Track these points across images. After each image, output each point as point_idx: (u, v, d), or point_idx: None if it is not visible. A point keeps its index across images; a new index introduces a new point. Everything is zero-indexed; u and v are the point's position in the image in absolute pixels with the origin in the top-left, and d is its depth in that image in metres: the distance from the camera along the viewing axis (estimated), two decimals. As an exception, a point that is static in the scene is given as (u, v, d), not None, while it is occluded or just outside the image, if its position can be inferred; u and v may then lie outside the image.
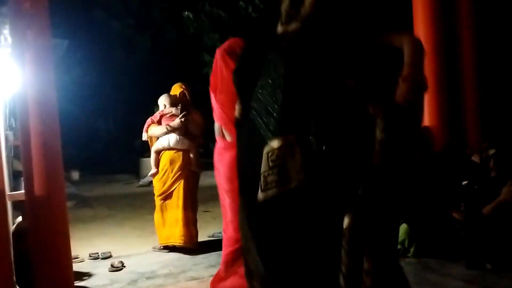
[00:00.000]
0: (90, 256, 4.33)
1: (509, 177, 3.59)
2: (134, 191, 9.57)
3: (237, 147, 1.62)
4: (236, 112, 1.60)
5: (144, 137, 4.58)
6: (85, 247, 4.55)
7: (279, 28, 1.45)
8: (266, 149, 1.38)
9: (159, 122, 4.49)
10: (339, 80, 1.35)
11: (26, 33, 3.03)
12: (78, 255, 4.28)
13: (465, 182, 3.78)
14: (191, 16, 10.05)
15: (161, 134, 4.42)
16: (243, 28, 9.56)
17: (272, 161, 1.37)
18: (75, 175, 13.33)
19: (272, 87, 1.43)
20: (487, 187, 3.65)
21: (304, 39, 1.38)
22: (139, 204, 7.36)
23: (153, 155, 4.47)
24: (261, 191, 1.39)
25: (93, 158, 16.07)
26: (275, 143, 1.37)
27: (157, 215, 4.42)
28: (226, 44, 2.72)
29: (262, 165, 1.39)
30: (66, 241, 3.20)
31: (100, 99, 15.59)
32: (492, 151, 3.69)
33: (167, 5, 16.08)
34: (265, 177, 1.38)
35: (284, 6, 1.42)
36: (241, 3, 9.32)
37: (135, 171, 11.74)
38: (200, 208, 6.24)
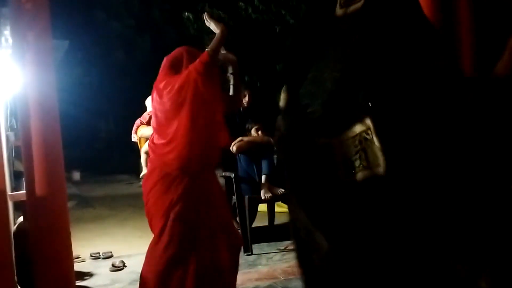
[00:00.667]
0: (91, 256, 4.34)
1: None
2: (135, 191, 9.59)
3: (280, 139, 1.51)
4: (282, 101, 1.50)
5: (134, 138, 4.56)
6: (86, 247, 4.57)
7: (338, 11, 1.36)
8: (348, 134, 1.30)
9: (148, 123, 4.47)
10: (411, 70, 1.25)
11: (27, 34, 3.04)
12: (80, 255, 4.29)
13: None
14: (191, 17, 10.04)
15: (150, 135, 4.41)
16: (243, 29, 9.56)
17: (355, 146, 1.29)
18: (76, 175, 13.36)
19: (329, 75, 1.34)
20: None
21: (367, 21, 1.30)
22: (140, 204, 7.32)
23: (143, 156, 4.46)
24: (349, 175, 1.30)
25: (94, 158, 16.09)
26: (357, 128, 1.29)
27: None
28: (171, 54, 2.74)
29: (342, 151, 1.30)
30: (67, 241, 3.21)
31: (100, 99, 15.61)
32: None
33: (167, 6, 16.10)
34: (351, 162, 1.29)
35: None
36: (241, 4, 9.32)
37: (136, 171, 11.73)
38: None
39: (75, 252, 3.62)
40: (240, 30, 9.60)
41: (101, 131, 16.78)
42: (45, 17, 3.15)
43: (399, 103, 1.25)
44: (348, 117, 1.29)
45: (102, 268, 3.99)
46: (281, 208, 5.31)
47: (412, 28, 1.27)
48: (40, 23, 3.13)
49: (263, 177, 4.36)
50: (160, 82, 2.65)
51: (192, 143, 2.52)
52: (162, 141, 2.64)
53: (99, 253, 4.36)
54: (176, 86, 2.53)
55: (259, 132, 4.57)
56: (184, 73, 2.55)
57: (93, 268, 4.02)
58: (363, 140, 1.27)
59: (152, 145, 2.67)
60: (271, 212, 5.05)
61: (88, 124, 16.16)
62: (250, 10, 9.23)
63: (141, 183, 4.58)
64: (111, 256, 4.33)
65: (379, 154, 1.24)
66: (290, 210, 1.58)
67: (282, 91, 1.52)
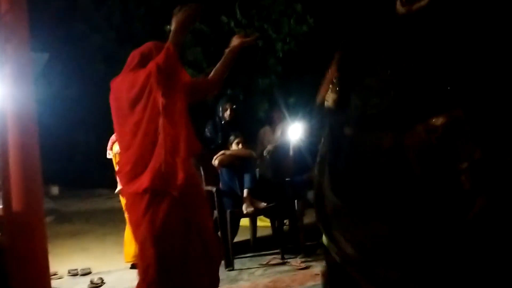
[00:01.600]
0: (69, 272, 4.25)
1: (482, 190, 3.65)
2: (115, 206, 9.43)
3: (327, 139, 1.50)
4: (329, 101, 1.49)
5: (109, 155, 4.52)
6: (64, 263, 4.47)
7: (401, 9, 1.37)
8: (423, 128, 1.28)
9: None
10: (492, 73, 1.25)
11: (5, 46, 3.01)
12: (57, 272, 4.20)
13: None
14: (173, 30, 10.08)
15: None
16: (226, 43, 9.60)
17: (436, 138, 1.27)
18: (55, 189, 13.13)
19: (397, 71, 1.33)
20: (464, 201, 3.70)
21: (436, 19, 1.31)
22: (120, 219, 7.23)
23: None
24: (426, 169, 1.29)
25: (73, 172, 15.84)
26: (438, 120, 1.26)
27: (128, 231, 4.34)
28: (139, 49, 2.57)
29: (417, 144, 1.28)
30: (45, 257, 3.14)
31: (80, 112, 15.45)
32: (465, 165, 3.74)
33: (150, 20, 16.08)
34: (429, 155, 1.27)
35: None
36: (223, 18, 9.38)
37: (116, 185, 11.60)
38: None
39: (52, 269, 3.53)
40: (222, 44, 9.64)
41: (81, 145, 16.55)
42: (24, 30, 3.12)
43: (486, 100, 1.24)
44: (426, 109, 1.26)
45: (80, 285, 3.91)
46: (263, 222, 5.29)
47: (487, 25, 1.26)
48: (19, 35, 3.09)
49: (245, 191, 4.35)
50: (125, 76, 2.46)
51: (148, 151, 2.27)
52: (121, 150, 2.44)
53: (77, 269, 4.28)
54: (139, 81, 2.33)
55: (241, 146, 4.57)
56: (147, 67, 2.34)
57: (71, 285, 3.94)
58: (446, 131, 1.25)
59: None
60: (253, 226, 5.03)
61: (67, 137, 15.93)
62: (232, 24, 9.29)
63: (120, 198, 4.53)
64: (89, 273, 4.25)
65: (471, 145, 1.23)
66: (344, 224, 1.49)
67: (330, 91, 1.50)
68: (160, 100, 2.29)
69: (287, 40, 9.44)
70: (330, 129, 1.49)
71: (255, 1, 9.41)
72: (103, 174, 14.08)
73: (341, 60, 1.49)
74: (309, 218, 5.03)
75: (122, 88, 2.45)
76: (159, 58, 2.31)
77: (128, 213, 2.53)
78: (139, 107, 2.33)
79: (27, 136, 3.09)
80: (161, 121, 2.28)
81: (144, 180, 2.28)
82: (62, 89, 14.91)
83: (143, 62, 2.45)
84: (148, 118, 2.30)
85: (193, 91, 2.60)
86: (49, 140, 11.13)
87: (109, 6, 16.10)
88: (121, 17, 16.28)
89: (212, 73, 2.70)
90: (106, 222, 7.47)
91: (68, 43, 14.75)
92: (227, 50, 2.63)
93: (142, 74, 2.36)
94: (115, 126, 2.52)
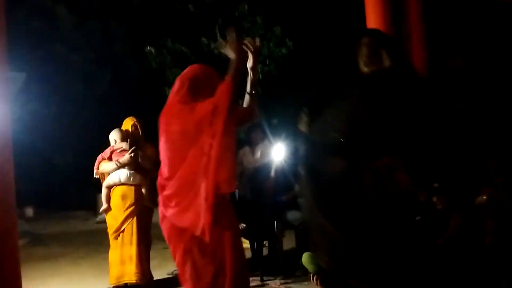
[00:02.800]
0: (42, 297, 4.14)
1: (455, 209, 3.72)
2: (91, 228, 9.28)
3: (304, 154, 1.84)
4: (303, 124, 1.87)
5: (96, 175, 4.49)
6: (37, 288, 4.36)
7: (364, 68, 1.81)
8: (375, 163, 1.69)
9: (109, 158, 4.41)
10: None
11: (-18, 65, 2.98)
12: (30, 296, 4.09)
13: (418, 218, 3.89)
14: (153, 51, 10.08)
15: (111, 170, 4.34)
16: (205, 64, 9.66)
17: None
18: (29, 211, 12.83)
19: (354, 112, 1.73)
20: (437, 221, 3.76)
21: (391, 78, 1.78)
22: (97, 241, 7.13)
23: (104, 190, 4.38)
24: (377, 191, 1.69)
25: (49, 193, 15.53)
26: (381, 161, 1.70)
27: (112, 252, 4.27)
28: (188, 74, 2.52)
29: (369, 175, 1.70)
30: (17, 281, 3.06)
31: (58, 132, 15.25)
32: (435, 185, 3.83)
33: (129, 40, 16.12)
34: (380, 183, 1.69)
35: (364, 53, 1.82)
36: (203, 39, 9.46)
37: (93, 207, 11.40)
38: (160, 245, 6.12)
39: (25, 293, 3.43)
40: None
41: (58, 165, 16.28)
42: (1, 49, 3.10)
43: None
44: (379, 147, 1.68)
45: (54, 310, 3.80)
46: (243, 243, 5.25)
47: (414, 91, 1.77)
48: (-4, 54, 3.07)
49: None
50: (175, 105, 2.37)
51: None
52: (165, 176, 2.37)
53: (51, 293, 4.17)
54: (197, 116, 2.26)
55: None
56: (206, 104, 2.27)
57: (44, 310, 3.83)
58: (390, 168, 1.67)
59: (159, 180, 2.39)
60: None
61: (44, 157, 15.68)
62: (212, 46, 9.37)
63: (97, 219, 4.47)
64: (64, 297, 4.14)
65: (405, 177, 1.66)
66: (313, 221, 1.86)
67: (302, 115, 1.87)
68: (209, 141, 2.23)
69: (267, 62, 9.55)
70: (304, 151, 1.84)
71: (235, 24, 9.53)
72: (80, 196, 13.87)
73: (312, 100, 1.90)
74: (288, 239, 5.02)
75: (174, 117, 2.37)
76: (222, 99, 2.25)
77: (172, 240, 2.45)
78: (193, 141, 2.27)
79: (2, 156, 3.04)
80: (205, 159, 2.23)
81: (188, 218, 2.28)
82: (40, 108, 14.72)
83: (193, 89, 2.39)
84: (199, 152, 2.25)
85: (240, 123, 2.50)
86: (24, 159, 10.93)
87: (89, 27, 16.10)
88: (101, 37, 16.26)
89: (245, 101, 2.54)
90: (82, 245, 7.32)
91: (46, 63, 14.64)
92: (249, 67, 2.44)
93: (201, 109, 2.29)
94: (165, 152, 2.41)
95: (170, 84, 11.29)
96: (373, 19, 5.05)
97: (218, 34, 9.33)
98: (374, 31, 1.91)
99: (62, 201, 15.09)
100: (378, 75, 1.78)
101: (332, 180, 1.72)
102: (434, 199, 3.79)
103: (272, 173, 4.99)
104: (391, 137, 1.68)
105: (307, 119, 1.86)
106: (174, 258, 2.44)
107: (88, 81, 15.85)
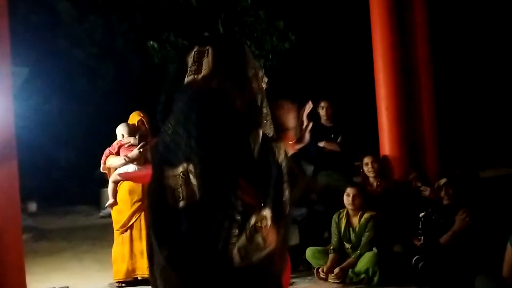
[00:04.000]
0: (46, 291, 4.15)
1: (461, 205, 3.72)
2: (94, 223, 9.30)
3: (153, 171, 1.89)
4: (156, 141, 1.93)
5: (103, 168, 4.48)
6: (41, 282, 4.38)
7: (186, 79, 1.83)
8: (174, 171, 1.75)
9: (117, 153, 4.40)
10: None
11: (-15, 60, 2.97)
12: (34, 291, 4.10)
13: (422, 213, 3.88)
14: (155, 46, 10.06)
15: (119, 165, 4.33)
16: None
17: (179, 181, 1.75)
18: (32, 206, 12.86)
19: (184, 121, 1.78)
20: (444, 216, 3.75)
21: (210, 85, 1.80)
22: (100, 236, 7.14)
23: (111, 185, 4.37)
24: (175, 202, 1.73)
25: (52, 188, 15.57)
26: (180, 169, 1.73)
27: (116, 248, 4.27)
28: None
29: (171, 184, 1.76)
30: (21, 276, 3.07)
31: (60, 127, 15.26)
32: (443, 181, 3.83)
33: (132, 35, 16.08)
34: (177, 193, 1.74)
35: (190, 62, 1.84)
36: (206, 34, 9.43)
37: (96, 202, 11.42)
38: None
39: (29, 288, 3.45)
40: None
41: (60, 160, 16.30)
42: (4, 44, 3.10)
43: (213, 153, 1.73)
44: (177, 158, 1.74)
45: (57, 304, 3.82)
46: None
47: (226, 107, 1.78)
48: (-1, 49, 3.06)
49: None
50: None
51: None
52: None
53: (55, 288, 4.18)
54: None
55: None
56: None
57: (48, 304, 3.84)
58: (183, 178, 1.71)
59: None
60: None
61: (46, 152, 15.70)
62: (215, 41, 9.35)
63: (101, 214, 4.48)
64: (68, 291, 4.16)
65: (196, 189, 1.69)
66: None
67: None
68: None
69: (270, 57, 9.53)
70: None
71: (238, 18, 9.49)
72: (83, 191, 13.90)
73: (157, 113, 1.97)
74: (292, 234, 5.02)
75: None
76: None
77: None
78: None
79: (5, 151, 3.04)
80: None
81: None
82: (42, 103, 14.73)
83: None
84: None
85: None
86: (27, 155, 10.94)
87: (91, 22, 16.06)
88: (103, 32, 16.23)
89: None
90: (85, 239, 7.33)
91: (48, 57, 14.62)
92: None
93: None
94: None
95: (173, 79, 11.17)
96: (377, 13, 5.04)
97: (221, 29, 9.31)
98: (208, 39, 1.97)
99: (65, 196, 15.12)
100: (189, 86, 1.81)
101: (154, 192, 1.82)
102: (442, 194, 3.78)
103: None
104: (189, 146, 1.73)
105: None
106: None
107: (91, 76, 15.83)
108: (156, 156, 1.89)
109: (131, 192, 4.28)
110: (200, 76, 1.79)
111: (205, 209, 1.68)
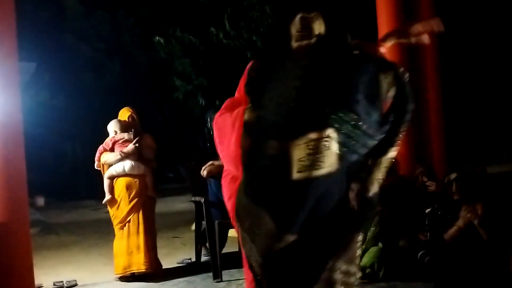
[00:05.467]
0: (54, 284, 4.18)
1: (468, 201, 3.69)
2: (101, 217, 9.35)
3: (244, 145, 1.83)
4: (247, 116, 1.85)
5: (97, 166, 4.48)
6: (49, 276, 4.41)
7: (294, 44, 1.81)
8: (302, 140, 1.66)
9: (111, 149, 4.39)
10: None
11: (-7, 55, 2.99)
12: (42, 284, 4.14)
13: (429, 209, 3.87)
14: (162, 41, 10.06)
15: (115, 161, 4.33)
16: (214, 54, 9.63)
17: (310, 149, 1.66)
18: (40, 200, 12.97)
19: (288, 91, 1.74)
20: (451, 211, 3.74)
21: (318, 52, 1.79)
22: (107, 230, 7.18)
23: (106, 181, 4.37)
24: (296, 172, 1.65)
25: (60, 183, 15.68)
26: (313, 135, 1.65)
27: (117, 243, 4.27)
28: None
29: (296, 153, 1.65)
30: (29, 269, 3.10)
31: (68, 122, 15.34)
32: (453, 175, 3.81)
33: (138, 30, 16.10)
34: (299, 162, 1.65)
35: (296, 28, 1.81)
36: (212, 29, 9.42)
37: (102, 196, 11.49)
38: (170, 234, 6.16)
39: (37, 281, 3.48)
40: (211, 56, 9.66)
41: (68, 155, 16.40)
42: (12, 39, 3.11)
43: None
44: (305, 125, 1.67)
45: (65, 298, 3.85)
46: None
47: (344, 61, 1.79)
48: (7, 44, 3.08)
49: (234, 202, 4.33)
50: None
51: None
52: None
53: (62, 281, 4.21)
54: None
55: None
56: None
57: (56, 297, 3.88)
58: (319, 145, 1.64)
59: None
60: (241, 237, 5.00)
61: (54, 147, 15.80)
62: (221, 36, 9.33)
63: (107, 208, 4.51)
64: (75, 285, 4.19)
65: (335, 158, 1.64)
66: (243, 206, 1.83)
67: (247, 110, 1.85)
68: None
69: (276, 52, 9.52)
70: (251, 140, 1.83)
71: (244, 13, 9.47)
72: (90, 185, 13.98)
73: (250, 81, 1.91)
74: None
75: None
76: None
77: None
78: None
79: (13, 146, 3.07)
80: None
81: None
82: (49, 99, 14.81)
83: None
84: None
85: None
86: (35, 150, 11.02)
87: (97, 17, 16.09)
88: (109, 28, 16.26)
89: None
90: (92, 233, 7.39)
91: (56, 53, 14.68)
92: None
93: None
94: None
95: (179, 75, 11.32)
96: (384, 14, 5.02)
97: (227, 24, 9.29)
98: (309, 4, 1.86)
99: (72, 190, 15.22)
100: (305, 50, 1.78)
101: (264, 165, 1.74)
102: (453, 188, 3.75)
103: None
104: (320, 112, 1.68)
105: (251, 111, 1.85)
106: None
107: (98, 71, 15.88)
108: (257, 132, 1.79)
109: (128, 187, 4.29)
110: (313, 40, 1.79)
111: (345, 176, 1.68)
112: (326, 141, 1.63)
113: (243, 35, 9.41)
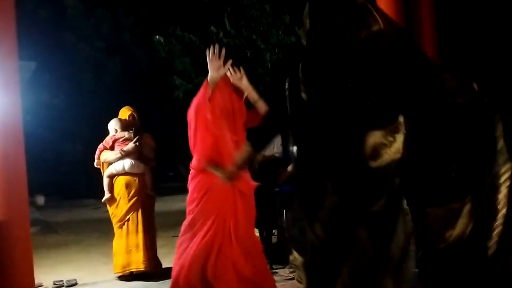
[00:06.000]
0: (54, 284, 4.19)
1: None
2: (101, 216, 9.34)
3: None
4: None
5: (97, 164, 4.49)
6: (49, 275, 4.41)
7: (363, 33, 1.76)
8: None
9: (111, 148, 4.41)
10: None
11: (-7, 54, 2.99)
12: (42, 283, 4.14)
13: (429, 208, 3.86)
14: (162, 40, 10.06)
15: (115, 160, 4.34)
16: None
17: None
18: (40, 200, 12.97)
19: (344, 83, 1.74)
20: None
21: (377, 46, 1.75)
22: (107, 229, 7.17)
23: (106, 180, 4.38)
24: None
25: (60, 182, 15.68)
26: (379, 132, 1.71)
27: (116, 241, 4.28)
28: None
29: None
30: (29, 268, 3.10)
31: (68, 122, 15.34)
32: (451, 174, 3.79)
33: (138, 29, 16.09)
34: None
35: (351, 19, 1.77)
36: (212, 28, 9.41)
37: (102, 195, 11.50)
38: (169, 233, 6.16)
39: (37, 280, 3.49)
40: (211, 54, 9.64)
41: (68, 154, 16.40)
42: (11, 38, 3.11)
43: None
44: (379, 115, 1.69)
45: (65, 297, 3.85)
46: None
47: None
48: (7, 43, 3.08)
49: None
50: None
51: None
52: None
53: (62, 281, 4.22)
54: None
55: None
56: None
57: (56, 296, 3.88)
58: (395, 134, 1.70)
59: None
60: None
61: (54, 146, 15.79)
62: (221, 35, 9.32)
63: (107, 207, 4.51)
64: (75, 284, 4.20)
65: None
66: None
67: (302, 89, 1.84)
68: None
69: (276, 51, 9.49)
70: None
71: (244, 12, 9.46)
72: (90, 184, 13.97)
73: (305, 76, 1.86)
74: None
75: None
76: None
77: None
78: None
79: (13, 145, 3.07)
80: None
81: None
82: (49, 98, 14.80)
83: None
84: None
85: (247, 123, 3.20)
86: (35, 149, 11.02)
87: (97, 16, 16.08)
88: (109, 27, 16.25)
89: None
90: (92, 232, 7.39)
91: (56, 52, 14.67)
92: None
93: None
94: None
95: (179, 73, 11.29)
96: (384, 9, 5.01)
97: (227, 23, 9.29)
98: None
99: (72, 189, 15.22)
100: (368, 41, 1.74)
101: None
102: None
103: (290, 167, 4.94)
104: (386, 105, 1.69)
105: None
106: None
107: (98, 70, 15.87)
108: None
109: (127, 186, 4.30)
110: (376, 28, 1.75)
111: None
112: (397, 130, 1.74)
113: (243, 34, 9.40)
